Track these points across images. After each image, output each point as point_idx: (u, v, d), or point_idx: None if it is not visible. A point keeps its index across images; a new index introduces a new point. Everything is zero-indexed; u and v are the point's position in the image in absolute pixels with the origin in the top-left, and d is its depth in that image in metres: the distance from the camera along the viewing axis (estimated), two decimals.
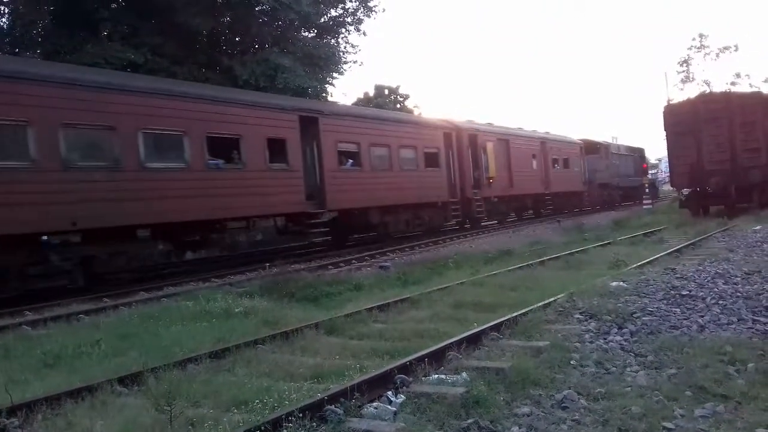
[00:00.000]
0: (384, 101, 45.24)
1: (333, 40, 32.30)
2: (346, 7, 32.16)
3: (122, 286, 13.28)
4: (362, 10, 32.23)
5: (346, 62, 32.68)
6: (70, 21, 23.46)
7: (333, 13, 32.09)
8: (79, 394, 5.53)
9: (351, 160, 19.24)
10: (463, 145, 24.49)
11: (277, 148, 16.49)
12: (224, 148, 15.28)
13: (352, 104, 36.78)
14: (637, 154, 44.23)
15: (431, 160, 22.67)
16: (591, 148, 36.31)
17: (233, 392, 5.45)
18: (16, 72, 11.73)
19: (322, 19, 31.46)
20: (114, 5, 25.85)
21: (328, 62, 30.57)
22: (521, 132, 30.60)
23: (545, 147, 31.01)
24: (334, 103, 24.80)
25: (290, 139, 16.88)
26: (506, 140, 27.73)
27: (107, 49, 22.45)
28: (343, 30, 32.59)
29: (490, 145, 26.01)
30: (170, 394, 4.69)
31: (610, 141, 40.68)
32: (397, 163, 20.90)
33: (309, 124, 17.61)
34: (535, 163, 29.93)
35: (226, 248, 16.53)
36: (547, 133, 33.01)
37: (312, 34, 31.62)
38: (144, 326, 8.82)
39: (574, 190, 34.15)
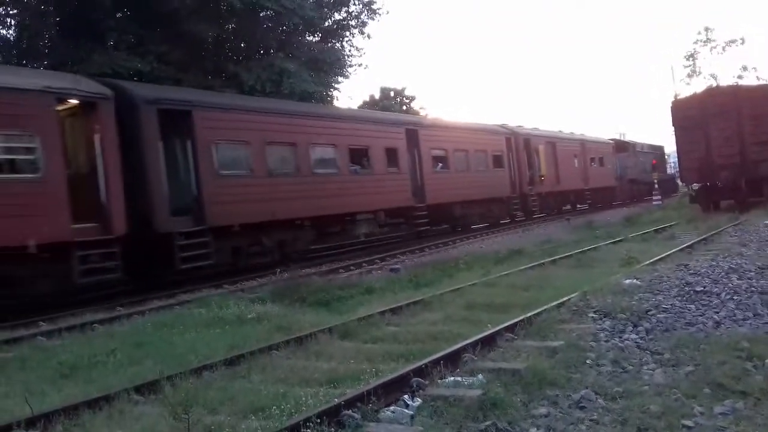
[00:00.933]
0: (390, 103, 45.21)
1: (337, 44, 32.29)
2: (350, 10, 32.17)
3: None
4: (366, 12, 32.19)
5: (351, 65, 32.66)
6: (76, 32, 23.53)
7: (337, 16, 32.09)
8: (97, 404, 5.54)
9: (441, 164, 23.20)
10: (520, 147, 28.28)
11: (391, 156, 20.73)
12: (358, 156, 19.60)
13: (358, 107, 36.98)
14: (659, 151, 47.41)
15: (497, 161, 26.74)
16: (621, 147, 40.21)
17: (250, 399, 5.46)
18: (242, 106, 16.35)
19: (326, 23, 31.46)
20: (119, 15, 25.95)
21: (333, 66, 30.54)
22: (564, 135, 34.27)
23: (584, 147, 34.55)
24: (429, 117, 28.70)
25: (400, 148, 21.18)
26: (553, 143, 31.43)
27: (114, 59, 22.54)
28: (348, 33, 32.59)
29: (541, 147, 29.84)
30: (187, 401, 4.69)
31: (635, 140, 44.63)
32: (474, 164, 24.98)
33: (412, 135, 21.85)
34: (576, 162, 33.57)
35: (356, 236, 20.12)
36: (583, 134, 36.36)
37: (316, 39, 31.63)
38: (158, 334, 8.84)
39: (608, 185, 37.34)
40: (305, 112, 18.39)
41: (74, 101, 12.47)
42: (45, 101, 11.65)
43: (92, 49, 22.87)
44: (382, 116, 22.59)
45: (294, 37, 30.02)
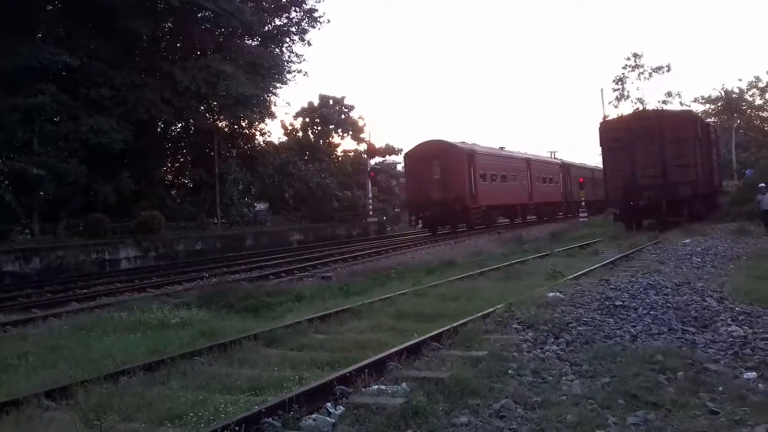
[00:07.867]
0: (328, 111, 45.08)
1: (277, 49, 32.12)
2: (291, 16, 32.10)
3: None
4: (307, 20, 32.19)
5: (290, 71, 32.56)
6: (2, 23, 22.61)
7: (277, 22, 31.97)
8: (3, 408, 5.28)
9: (581, 182, 39.78)
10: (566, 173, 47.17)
11: (551, 178, 41.49)
12: (547, 180, 40.50)
13: (296, 114, 36.91)
14: None
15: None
16: None
17: (167, 405, 5.30)
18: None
19: (266, 28, 31.26)
20: (50, 7, 25.06)
21: (271, 71, 30.34)
22: (590, 166, 53.07)
23: (593, 174, 51.20)
24: (573, 162, 47.22)
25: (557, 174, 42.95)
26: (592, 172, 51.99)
27: (41, 52, 21.72)
28: (288, 39, 32.48)
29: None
30: (100, 408, 4.53)
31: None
32: (593, 182, 43.49)
33: (565, 168, 44.17)
34: (592, 184, 51.61)
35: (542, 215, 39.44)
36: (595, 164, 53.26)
37: (255, 43, 31.36)
38: (75, 338, 8.51)
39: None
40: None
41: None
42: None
43: (20, 41, 21.98)
44: (551, 159, 45.18)
45: (232, 40, 29.70)
